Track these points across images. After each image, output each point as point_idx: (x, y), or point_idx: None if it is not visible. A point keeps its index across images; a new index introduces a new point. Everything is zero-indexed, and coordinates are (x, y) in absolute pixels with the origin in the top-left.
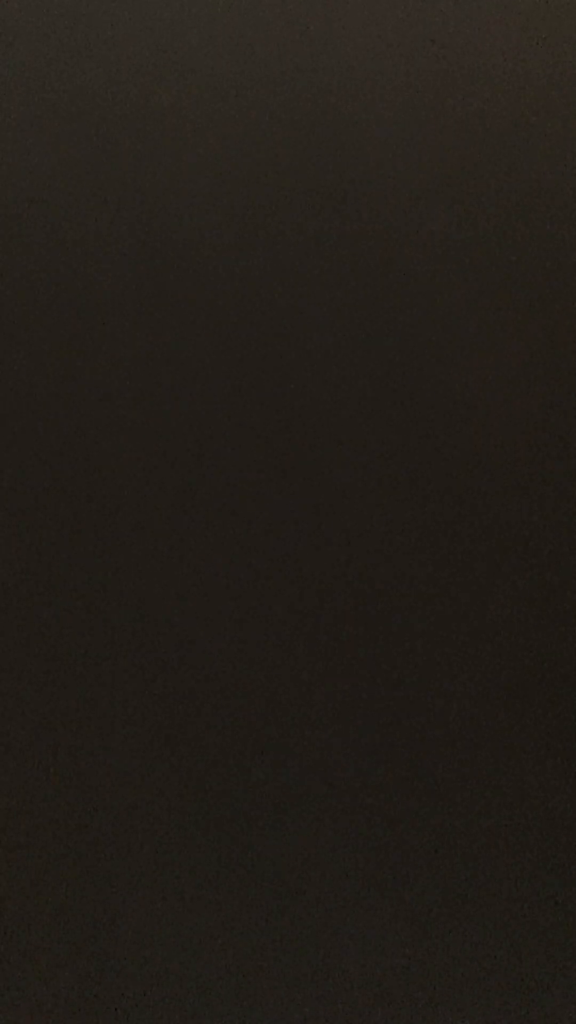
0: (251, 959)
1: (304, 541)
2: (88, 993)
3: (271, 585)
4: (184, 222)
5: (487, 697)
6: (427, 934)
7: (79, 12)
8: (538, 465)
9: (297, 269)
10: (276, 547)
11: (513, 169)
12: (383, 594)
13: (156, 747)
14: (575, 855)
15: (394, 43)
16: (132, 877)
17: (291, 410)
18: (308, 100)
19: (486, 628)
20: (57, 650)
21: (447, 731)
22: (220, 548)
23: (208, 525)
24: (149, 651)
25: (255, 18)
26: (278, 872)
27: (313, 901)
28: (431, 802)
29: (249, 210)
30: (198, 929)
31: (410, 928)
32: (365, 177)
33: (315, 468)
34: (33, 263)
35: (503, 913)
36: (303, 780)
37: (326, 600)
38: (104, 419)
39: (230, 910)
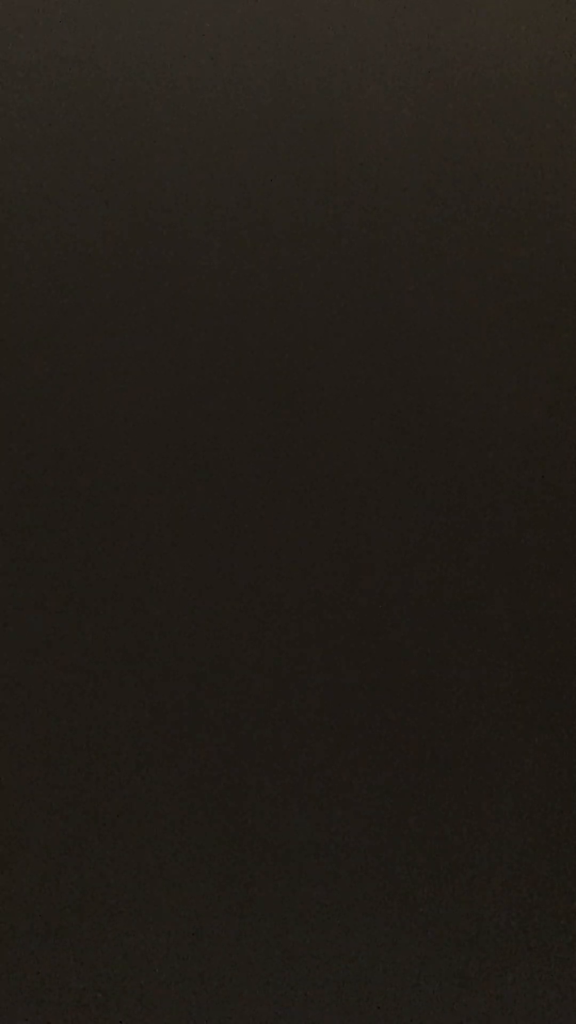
0: (250, 959)
1: (303, 541)
2: (88, 994)
3: (271, 584)
4: (183, 217)
5: (487, 694)
6: (429, 942)
7: (79, 11)
8: (539, 465)
9: (296, 267)
10: (275, 547)
11: (514, 167)
12: (382, 595)
13: (155, 748)
14: None
15: (394, 37)
16: (131, 876)
17: (290, 409)
18: (307, 98)
19: (486, 630)
20: (56, 648)
21: (448, 731)
22: (219, 550)
23: (207, 526)
24: (148, 649)
25: (255, 13)
26: (277, 873)
27: (312, 902)
28: (432, 804)
29: (249, 205)
30: (197, 932)
31: (411, 931)
32: (365, 175)
33: (314, 465)
34: (31, 254)
35: (505, 915)
36: (303, 781)
37: (325, 600)
38: (103, 419)
39: (229, 911)
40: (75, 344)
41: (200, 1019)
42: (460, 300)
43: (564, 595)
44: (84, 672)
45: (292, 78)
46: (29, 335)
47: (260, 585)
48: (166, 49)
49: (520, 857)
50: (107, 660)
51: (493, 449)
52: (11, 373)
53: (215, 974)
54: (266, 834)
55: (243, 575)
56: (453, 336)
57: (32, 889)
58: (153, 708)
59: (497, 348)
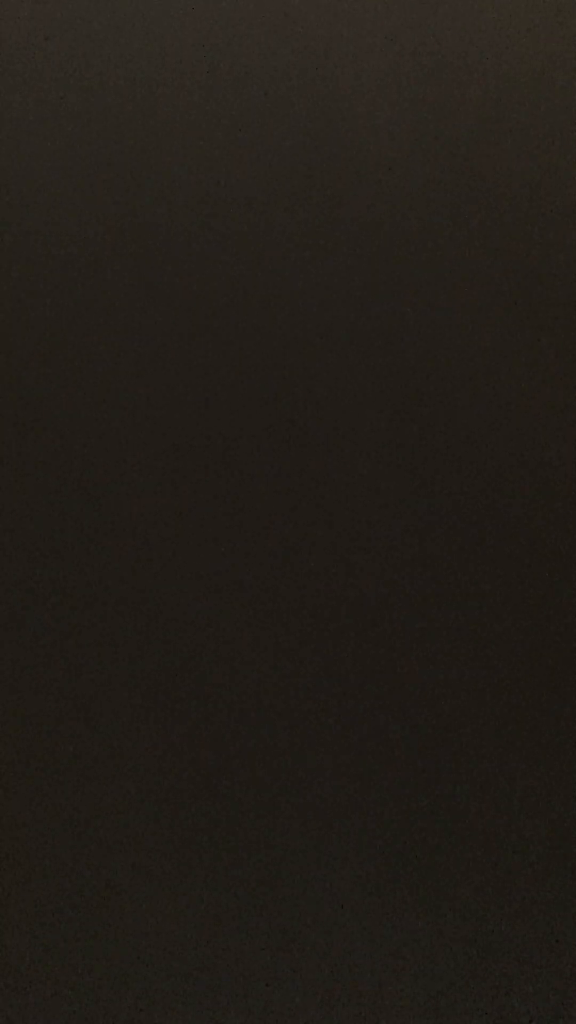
0: (250, 962)
1: (304, 544)
2: (87, 993)
3: (271, 587)
4: (183, 220)
5: (487, 697)
6: (430, 947)
7: (78, 13)
8: (539, 467)
9: (297, 271)
10: (276, 550)
11: (514, 169)
12: (383, 598)
13: (155, 750)
14: None
15: (394, 40)
16: (131, 877)
17: (291, 412)
18: (308, 100)
19: (485, 630)
20: (56, 650)
21: (448, 734)
22: (219, 551)
23: (206, 526)
24: (148, 651)
25: (255, 16)
26: (276, 876)
27: (312, 905)
28: (432, 806)
29: (249, 209)
30: (197, 933)
31: (411, 935)
32: (365, 180)
33: (314, 468)
34: (30, 257)
35: (504, 920)
36: (303, 785)
37: (326, 602)
38: (104, 420)
39: (228, 914)
40: (76, 344)
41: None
42: (460, 303)
43: (564, 595)
44: (83, 674)
45: (291, 80)
46: (30, 335)
47: (259, 586)
48: (165, 53)
49: (522, 859)
50: (106, 661)
51: (493, 449)
52: (11, 374)
53: (214, 981)
54: (266, 837)
55: (243, 575)
56: (453, 338)
57: (31, 895)
58: (153, 709)
59: (497, 350)
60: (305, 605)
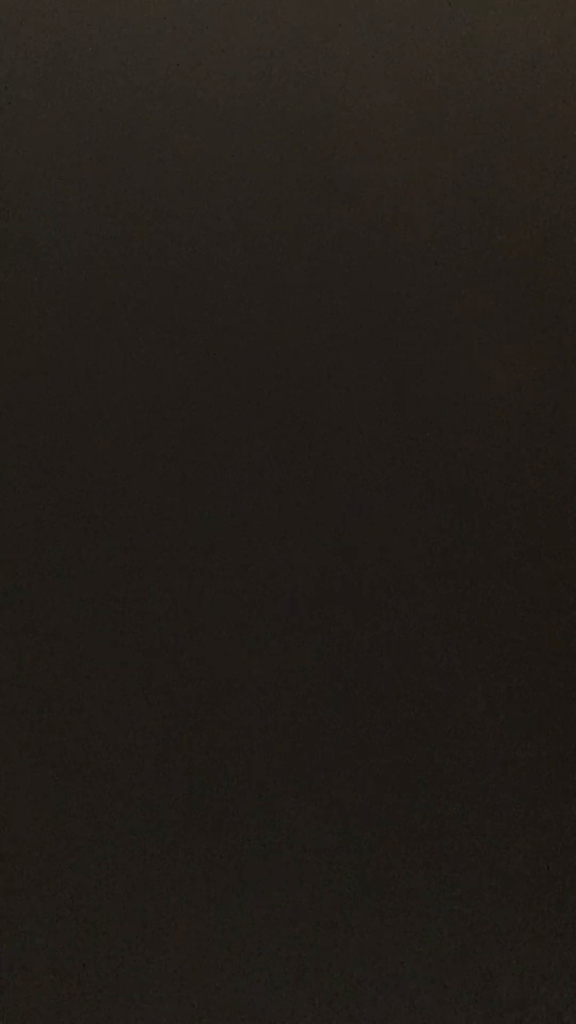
0: (249, 968)
1: (305, 545)
2: (84, 993)
3: (272, 587)
4: (183, 225)
5: (487, 697)
6: (428, 954)
7: (79, 17)
8: (539, 470)
9: (296, 274)
10: (277, 552)
11: (514, 174)
12: (383, 599)
13: (155, 753)
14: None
15: (396, 44)
16: (129, 879)
17: (292, 414)
18: (308, 106)
19: (487, 633)
20: (55, 651)
21: (449, 736)
22: (220, 555)
23: (207, 531)
24: (148, 650)
25: (255, 21)
26: (276, 878)
27: (310, 909)
28: (433, 809)
29: (249, 214)
30: (195, 938)
31: (410, 941)
32: (366, 182)
33: (315, 471)
34: (31, 263)
35: (503, 918)
36: (302, 791)
37: (327, 603)
38: (103, 427)
39: (226, 917)
40: (76, 348)
41: None
42: (461, 308)
43: (565, 597)
44: (80, 676)
45: (291, 83)
46: (29, 336)
47: (259, 590)
48: (165, 55)
49: (523, 863)
50: (104, 663)
51: (494, 451)
52: (10, 376)
53: (213, 984)
54: (263, 838)
55: (242, 578)
56: (454, 340)
57: (28, 904)
58: (151, 709)
59: (498, 352)
60: (305, 603)
